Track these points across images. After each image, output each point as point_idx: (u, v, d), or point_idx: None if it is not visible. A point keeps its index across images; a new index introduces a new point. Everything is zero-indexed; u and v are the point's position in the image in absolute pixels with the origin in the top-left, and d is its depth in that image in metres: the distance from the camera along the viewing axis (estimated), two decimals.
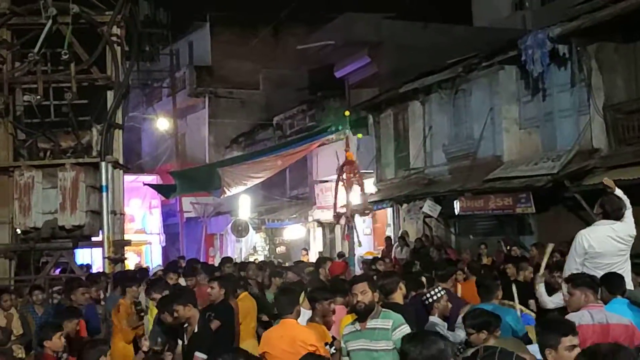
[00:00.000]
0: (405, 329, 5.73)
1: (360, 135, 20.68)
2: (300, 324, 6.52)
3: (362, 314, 5.83)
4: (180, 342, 6.85)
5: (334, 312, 7.08)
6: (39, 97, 13.46)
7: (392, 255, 17.71)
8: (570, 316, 5.42)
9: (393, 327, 5.71)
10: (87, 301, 9.06)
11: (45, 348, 6.47)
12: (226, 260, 12.61)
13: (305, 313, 7.05)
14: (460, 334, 6.63)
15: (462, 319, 6.12)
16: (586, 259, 6.74)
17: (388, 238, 19.70)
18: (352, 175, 9.81)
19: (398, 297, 6.77)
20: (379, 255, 18.70)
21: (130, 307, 9.14)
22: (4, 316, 9.24)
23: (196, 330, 6.70)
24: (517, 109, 16.97)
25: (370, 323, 5.80)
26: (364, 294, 5.80)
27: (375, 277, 8.05)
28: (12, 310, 9.54)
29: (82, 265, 16.12)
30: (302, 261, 14.56)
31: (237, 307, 8.35)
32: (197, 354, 6.56)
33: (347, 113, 9.08)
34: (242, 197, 24.12)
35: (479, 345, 5.46)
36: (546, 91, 15.97)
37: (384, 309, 5.94)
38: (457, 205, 16.59)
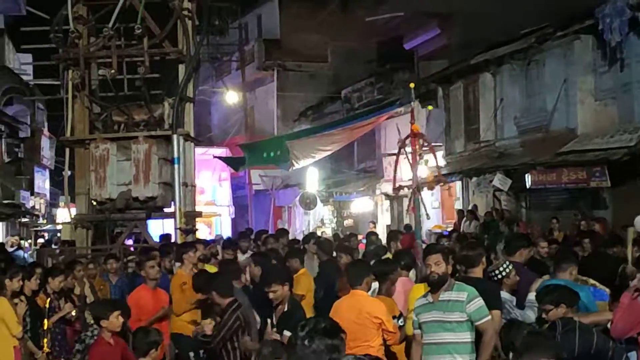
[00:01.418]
0: (480, 302, 5.73)
1: (430, 108, 20.44)
2: (369, 296, 6.53)
3: (434, 284, 5.82)
4: (269, 321, 6.55)
5: (393, 282, 7.06)
6: (113, 71, 13.73)
7: (461, 229, 17.54)
8: None
9: (468, 299, 5.72)
10: (158, 273, 8.70)
11: (102, 328, 6.34)
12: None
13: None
14: (530, 315, 6.52)
15: (537, 297, 6.00)
16: None
17: (460, 211, 19.49)
18: (418, 147, 9.66)
19: (478, 271, 6.66)
20: (448, 229, 18.57)
21: (189, 276, 8.85)
22: (77, 284, 9.56)
23: (286, 309, 6.48)
24: (592, 80, 16.47)
25: (444, 295, 5.79)
26: (437, 264, 5.79)
27: (458, 249, 7.95)
28: (84, 279, 9.88)
29: (162, 236, 16.49)
30: (354, 234, 14.61)
31: None
32: (286, 332, 6.19)
33: (412, 85, 8.94)
34: (310, 170, 24.21)
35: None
36: (624, 61, 15.43)
37: (457, 282, 5.91)
38: (528, 179, 16.29)
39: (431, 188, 10.60)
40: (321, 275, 10.04)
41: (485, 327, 5.69)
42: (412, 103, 8.95)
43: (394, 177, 9.71)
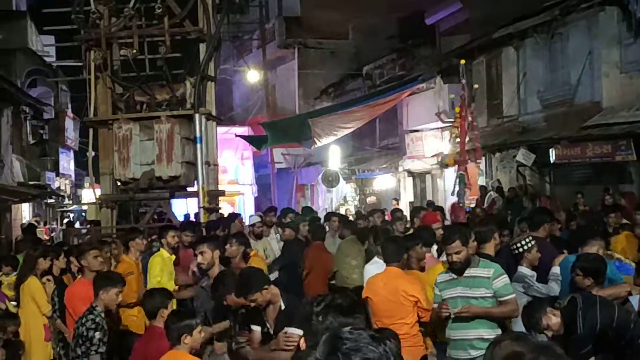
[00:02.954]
0: (506, 279, 5.79)
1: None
2: (404, 274, 6.48)
3: (458, 271, 5.86)
4: (258, 328, 5.71)
5: (417, 257, 7.04)
6: (134, 51, 13.77)
7: (485, 205, 17.45)
8: None
9: (494, 275, 5.76)
10: (101, 265, 7.79)
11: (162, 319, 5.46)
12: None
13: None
14: (554, 287, 6.51)
15: (575, 260, 5.99)
16: None
17: (483, 187, 19.40)
18: (467, 123, 9.55)
19: (490, 247, 6.67)
20: (471, 205, 18.48)
21: (136, 264, 8.46)
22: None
23: (283, 306, 5.63)
24: (618, 52, 16.21)
25: (469, 272, 5.83)
26: (458, 254, 5.81)
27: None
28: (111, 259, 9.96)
29: (186, 215, 16.57)
30: (381, 210, 14.47)
31: None
32: (291, 330, 5.30)
33: (462, 61, 8.78)
34: (332, 147, 24.20)
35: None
36: None
37: (482, 258, 5.91)
38: (552, 154, 16.15)
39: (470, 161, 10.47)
40: (284, 255, 10.07)
41: (509, 301, 5.77)
42: (462, 80, 8.73)
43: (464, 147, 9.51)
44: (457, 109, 7.75)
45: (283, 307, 5.66)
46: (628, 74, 16.01)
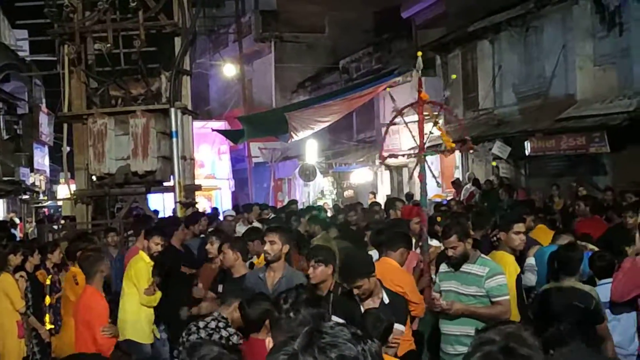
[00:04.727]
0: (501, 279, 5.67)
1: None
2: (398, 266, 6.46)
3: (456, 265, 5.83)
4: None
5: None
6: (109, 45, 13.64)
7: (461, 198, 17.56)
8: None
9: (487, 275, 5.68)
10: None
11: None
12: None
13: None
14: (530, 277, 6.56)
15: (550, 256, 6.03)
16: None
17: (456, 181, 19.52)
18: (431, 114, 9.46)
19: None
20: (447, 198, 18.59)
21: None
22: None
23: (387, 300, 5.28)
24: (591, 45, 16.36)
25: (465, 267, 5.79)
26: (454, 248, 5.77)
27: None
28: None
29: (156, 212, 16.45)
30: (360, 203, 14.50)
31: None
32: (396, 326, 5.01)
33: (419, 54, 8.73)
34: (309, 141, 24.17)
35: None
36: (623, 25, 15.32)
37: (482, 256, 5.89)
38: (527, 146, 16.27)
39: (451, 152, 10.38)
40: None
41: (500, 303, 5.63)
42: (419, 72, 8.69)
43: (382, 147, 9.68)
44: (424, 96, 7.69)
45: (387, 300, 5.29)
46: (601, 67, 16.17)
